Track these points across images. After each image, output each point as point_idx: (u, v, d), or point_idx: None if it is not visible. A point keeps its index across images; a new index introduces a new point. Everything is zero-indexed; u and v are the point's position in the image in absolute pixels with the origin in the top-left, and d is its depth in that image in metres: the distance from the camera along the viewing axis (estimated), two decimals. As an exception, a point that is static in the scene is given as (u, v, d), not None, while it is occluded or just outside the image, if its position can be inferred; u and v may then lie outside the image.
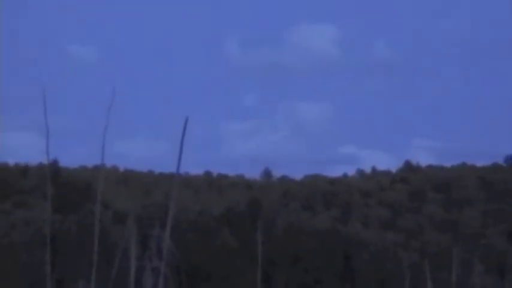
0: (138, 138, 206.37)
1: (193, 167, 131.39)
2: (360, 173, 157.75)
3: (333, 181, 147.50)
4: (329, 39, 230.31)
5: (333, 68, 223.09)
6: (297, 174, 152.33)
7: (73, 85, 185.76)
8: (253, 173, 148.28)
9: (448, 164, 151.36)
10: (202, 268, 72.16)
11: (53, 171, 60.41)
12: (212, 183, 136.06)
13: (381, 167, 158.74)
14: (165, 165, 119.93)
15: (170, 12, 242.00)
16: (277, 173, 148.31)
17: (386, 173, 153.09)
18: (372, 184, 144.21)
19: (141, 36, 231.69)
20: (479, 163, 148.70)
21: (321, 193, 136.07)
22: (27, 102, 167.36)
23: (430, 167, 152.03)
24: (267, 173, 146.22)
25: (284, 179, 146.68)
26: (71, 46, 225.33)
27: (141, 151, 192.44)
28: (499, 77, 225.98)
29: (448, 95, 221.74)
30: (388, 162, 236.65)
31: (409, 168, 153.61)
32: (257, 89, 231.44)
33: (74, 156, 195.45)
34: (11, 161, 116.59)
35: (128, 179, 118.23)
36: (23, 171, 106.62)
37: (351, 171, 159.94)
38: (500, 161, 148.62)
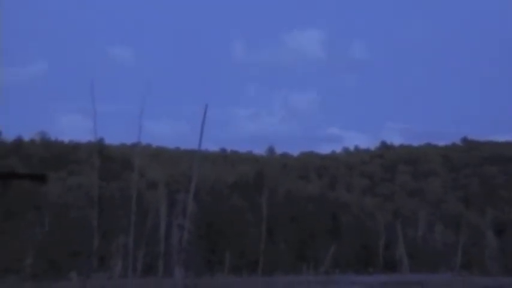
0: (166, 120, 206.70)
1: (210, 144, 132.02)
2: (345, 150, 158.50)
3: (323, 156, 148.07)
4: (316, 41, 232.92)
5: (319, 65, 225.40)
6: (294, 151, 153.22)
7: (114, 78, 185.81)
8: (259, 150, 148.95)
9: (416, 143, 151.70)
10: (218, 224, 72.36)
11: (99, 147, 60.37)
12: (226, 157, 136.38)
13: (362, 145, 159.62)
14: (187, 142, 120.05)
15: (190, 20, 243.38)
16: (278, 150, 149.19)
17: (366, 150, 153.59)
18: (355, 159, 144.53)
19: (166, 39, 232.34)
20: (441, 143, 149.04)
21: (314, 166, 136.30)
22: (77, 93, 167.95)
23: (401, 145, 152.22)
24: (270, 150, 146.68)
25: (284, 155, 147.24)
26: (112, 47, 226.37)
27: (169, 131, 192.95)
28: (457, 71, 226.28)
29: (416, 87, 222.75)
30: (367, 141, 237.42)
31: (384, 146, 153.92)
32: (258, 81, 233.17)
33: (115, 135, 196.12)
34: (66, 139, 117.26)
35: (158, 154, 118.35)
36: (75, 146, 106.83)
37: (338, 149, 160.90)
38: (457, 141, 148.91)
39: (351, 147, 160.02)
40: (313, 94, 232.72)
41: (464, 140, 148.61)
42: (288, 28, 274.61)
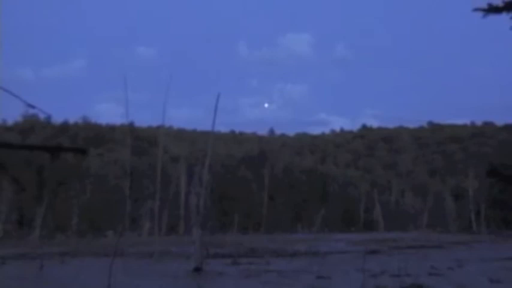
0: (185, 106, 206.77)
1: (222, 127, 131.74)
2: (332, 131, 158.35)
3: (314, 136, 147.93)
4: (306, 42, 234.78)
5: (309, 62, 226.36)
6: (291, 132, 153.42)
7: (141, 73, 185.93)
8: (262, 131, 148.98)
9: (390, 125, 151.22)
10: (228, 192, 72.39)
11: (130, 129, 60.23)
12: (235, 137, 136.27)
13: (346, 127, 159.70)
14: (203, 125, 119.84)
15: (203, 25, 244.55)
16: (278, 131, 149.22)
17: (350, 132, 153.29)
18: (340, 138, 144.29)
19: (184, 41, 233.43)
20: (411, 125, 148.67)
21: (307, 144, 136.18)
22: (111, 84, 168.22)
23: (378, 127, 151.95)
24: (271, 131, 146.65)
25: (282, 135, 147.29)
26: (138, 47, 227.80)
27: (188, 115, 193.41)
28: (424, 66, 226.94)
29: (390, 79, 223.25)
30: (351, 124, 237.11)
31: (364, 128, 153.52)
32: (259, 75, 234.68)
33: (144, 119, 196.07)
34: (103, 122, 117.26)
35: (179, 134, 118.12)
36: (111, 128, 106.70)
37: (326, 130, 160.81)
38: (424, 124, 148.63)
39: (337, 129, 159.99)
40: (305, 86, 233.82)
41: (430, 123, 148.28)
42: (284, 32, 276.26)
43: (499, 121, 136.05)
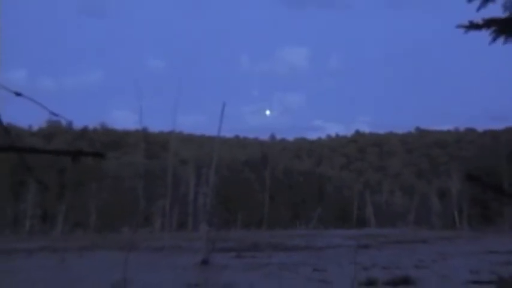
0: (192, 113, 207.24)
1: (227, 132, 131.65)
2: (328, 136, 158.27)
3: (311, 141, 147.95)
4: (303, 55, 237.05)
5: (306, 73, 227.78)
6: (290, 137, 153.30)
7: (152, 82, 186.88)
8: (263, 136, 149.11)
9: (381, 131, 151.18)
10: (233, 192, 72.32)
11: (144, 134, 60.25)
12: (239, 141, 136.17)
13: (340, 133, 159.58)
14: (210, 130, 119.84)
15: (209, 40, 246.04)
16: (278, 136, 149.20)
17: (344, 137, 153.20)
18: (335, 143, 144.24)
19: (191, 54, 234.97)
20: (400, 131, 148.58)
21: (305, 148, 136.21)
22: (126, 93, 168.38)
23: (370, 133, 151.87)
24: (272, 136, 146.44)
25: (282, 140, 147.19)
26: (149, 60, 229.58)
27: (196, 121, 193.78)
28: (411, 76, 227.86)
29: (380, 88, 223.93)
30: (344, 130, 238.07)
31: (357, 133, 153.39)
32: (260, 85, 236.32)
33: (156, 125, 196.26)
34: (119, 127, 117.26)
35: (188, 139, 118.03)
36: (126, 133, 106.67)
37: (322, 136, 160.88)
38: (412, 129, 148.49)
39: (332, 134, 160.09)
40: (302, 95, 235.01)
41: (417, 128, 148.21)
42: (282, 46, 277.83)
43: (480, 127, 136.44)
